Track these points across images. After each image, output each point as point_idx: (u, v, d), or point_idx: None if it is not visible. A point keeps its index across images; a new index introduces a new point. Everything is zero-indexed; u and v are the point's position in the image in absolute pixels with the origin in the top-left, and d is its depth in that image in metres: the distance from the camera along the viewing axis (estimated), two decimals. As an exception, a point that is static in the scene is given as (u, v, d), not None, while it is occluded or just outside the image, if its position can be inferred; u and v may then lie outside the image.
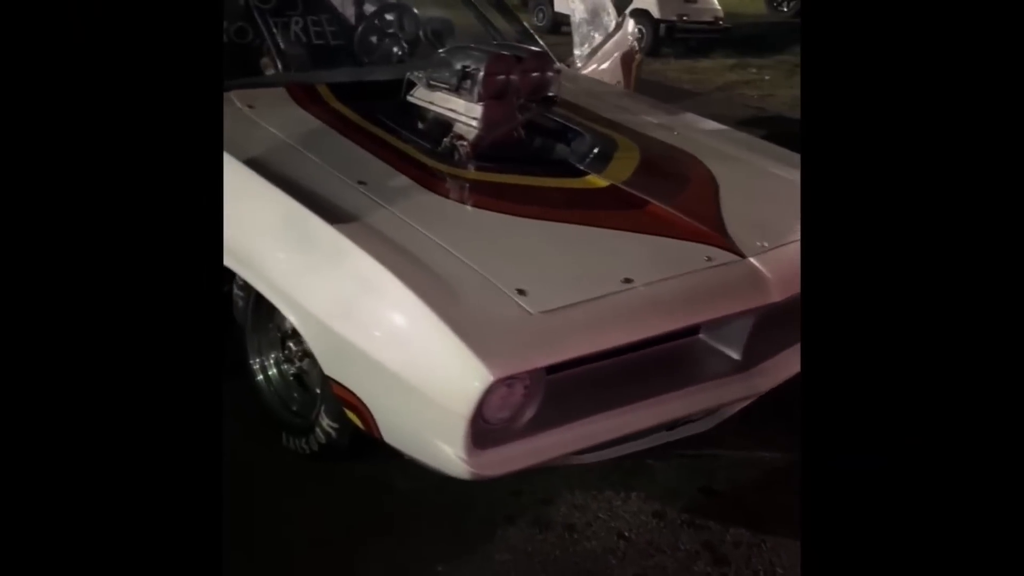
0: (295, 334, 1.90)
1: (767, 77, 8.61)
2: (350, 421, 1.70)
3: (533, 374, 1.50)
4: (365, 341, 1.55)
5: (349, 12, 3.11)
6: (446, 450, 1.49)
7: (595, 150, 2.25)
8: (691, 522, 1.93)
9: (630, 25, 3.83)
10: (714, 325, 1.82)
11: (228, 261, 1.79)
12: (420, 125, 2.28)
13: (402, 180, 1.96)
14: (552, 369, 1.53)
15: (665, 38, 9.90)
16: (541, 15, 11.13)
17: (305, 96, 2.33)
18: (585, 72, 3.45)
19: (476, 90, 2.12)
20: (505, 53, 2.20)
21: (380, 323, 1.56)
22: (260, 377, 2.12)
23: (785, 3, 13.59)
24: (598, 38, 3.59)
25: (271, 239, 1.76)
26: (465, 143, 2.13)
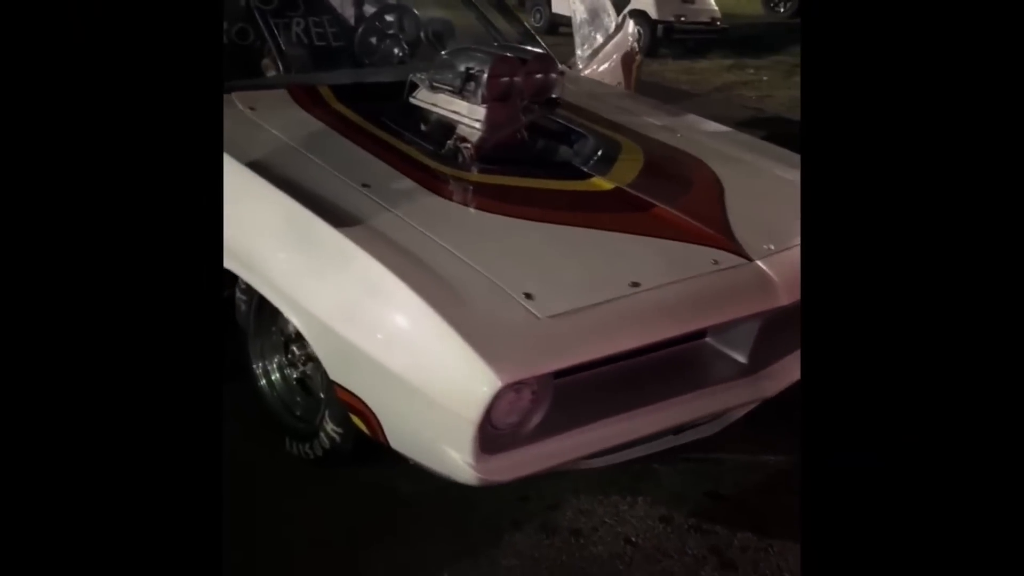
0: (299, 338, 1.89)
1: (765, 78, 8.61)
2: (355, 426, 1.69)
3: (541, 379, 1.49)
4: (371, 345, 1.54)
5: (349, 13, 3.09)
6: (454, 455, 1.48)
7: (599, 152, 2.24)
8: (698, 527, 1.92)
9: (630, 26, 3.81)
10: (721, 329, 1.82)
11: (232, 264, 1.78)
12: (423, 127, 2.27)
13: (406, 182, 1.95)
14: (559, 373, 1.52)
15: (663, 39, 9.88)
16: (538, 16, 11.09)
17: (307, 98, 2.31)
18: (586, 73, 3.44)
19: (480, 92, 2.11)
20: (509, 55, 2.19)
21: (386, 327, 1.55)
22: (263, 381, 2.10)
23: (782, 4, 13.58)
24: (599, 39, 3.56)
25: (276, 242, 1.75)
26: (469, 145, 2.12)
